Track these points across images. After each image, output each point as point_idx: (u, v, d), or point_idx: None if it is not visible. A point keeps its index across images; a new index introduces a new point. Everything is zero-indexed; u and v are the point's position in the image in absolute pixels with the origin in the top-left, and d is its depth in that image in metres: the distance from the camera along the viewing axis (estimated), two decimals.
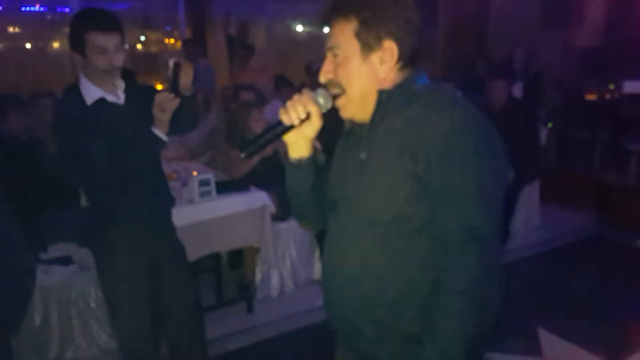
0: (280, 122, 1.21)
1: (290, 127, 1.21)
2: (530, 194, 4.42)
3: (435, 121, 1.10)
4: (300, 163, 1.28)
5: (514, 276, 3.74)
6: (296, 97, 1.20)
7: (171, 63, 1.91)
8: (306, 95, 1.19)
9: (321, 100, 1.21)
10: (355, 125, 1.25)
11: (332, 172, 1.31)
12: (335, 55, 1.18)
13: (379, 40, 1.15)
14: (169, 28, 7.55)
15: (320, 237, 3.59)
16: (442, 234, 1.10)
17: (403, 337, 1.17)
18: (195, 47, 6.17)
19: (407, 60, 1.18)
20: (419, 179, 1.10)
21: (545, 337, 2.97)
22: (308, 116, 1.20)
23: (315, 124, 1.21)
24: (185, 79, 1.93)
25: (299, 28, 8.35)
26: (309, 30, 8.34)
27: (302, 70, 5.75)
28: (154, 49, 7.85)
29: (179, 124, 2.00)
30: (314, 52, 8.03)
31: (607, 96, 5.09)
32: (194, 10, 7.12)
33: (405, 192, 1.11)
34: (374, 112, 1.18)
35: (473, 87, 4.21)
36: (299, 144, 1.26)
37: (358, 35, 1.15)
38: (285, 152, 1.32)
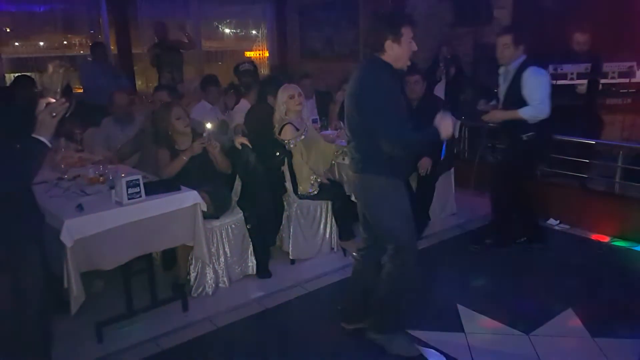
0: None
1: None
2: (446, 183, 4.61)
3: None
4: None
5: (434, 258, 3.99)
6: None
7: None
8: None
9: None
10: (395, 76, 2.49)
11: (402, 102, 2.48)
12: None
13: None
14: (92, 31, 7.34)
15: (253, 232, 3.65)
16: None
17: None
18: (103, 50, 6.28)
19: None
20: None
21: (465, 313, 3.11)
22: None
23: None
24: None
25: (227, 30, 8.36)
26: (237, 32, 8.37)
27: (230, 72, 5.77)
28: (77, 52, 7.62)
29: None
30: (242, 54, 8.11)
31: None
32: (117, 13, 6.97)
33: None
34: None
35: None
36: None
37: None
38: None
